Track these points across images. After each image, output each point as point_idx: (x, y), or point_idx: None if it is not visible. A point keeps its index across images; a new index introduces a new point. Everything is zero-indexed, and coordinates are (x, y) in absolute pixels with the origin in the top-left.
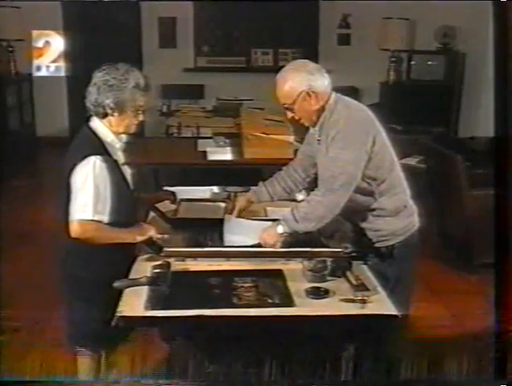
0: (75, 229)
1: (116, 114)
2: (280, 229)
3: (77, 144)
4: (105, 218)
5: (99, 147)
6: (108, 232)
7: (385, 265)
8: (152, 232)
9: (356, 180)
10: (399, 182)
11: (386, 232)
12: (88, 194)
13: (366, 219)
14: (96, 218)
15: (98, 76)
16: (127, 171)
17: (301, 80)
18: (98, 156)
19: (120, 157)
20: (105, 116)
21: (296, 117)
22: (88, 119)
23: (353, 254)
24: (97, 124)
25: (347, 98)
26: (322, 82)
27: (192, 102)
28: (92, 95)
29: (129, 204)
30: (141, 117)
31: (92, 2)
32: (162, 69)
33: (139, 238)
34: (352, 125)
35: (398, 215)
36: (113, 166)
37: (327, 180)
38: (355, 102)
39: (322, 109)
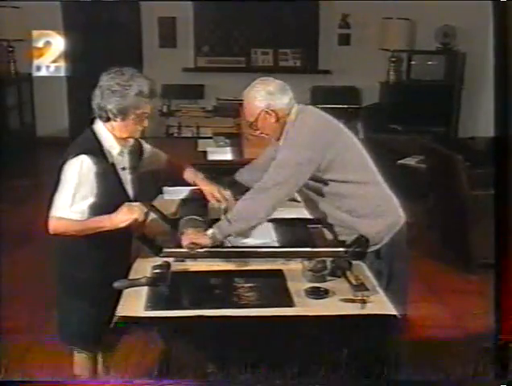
0: (51, 225)
1: (118, 120)
2: (209, 231)
3: (76, 143)
4: (82, 216)
5: (94, 148)
6: (83, 225)
7: (375, 266)
8: (136, 215)
9: (291, 182)
10: (373, 184)
11: (369, 235)
12: (69, 191)
13: (343, 223)
14: (72, 216)
15: (104, 80)
16: (127, 177)
17: (260, 100)
18: (88, 156)
19: (120, 161)
20: (107, 120)
21: (262, 134)
22: (92, 120)
23: (353, 254)
24: (99, 127)
25: (311, 107)
26: (281, 101)
27: (192, 102)
28: (96, 98)
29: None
30: (145, 123)
31: (92, 1)
32: (162, 69)
33: (121, 224)
34: (300, 131)
35: (375, 216)
36: (106, 169)
37: (262, 180)
38: (316, 111)
39: (284, 123)
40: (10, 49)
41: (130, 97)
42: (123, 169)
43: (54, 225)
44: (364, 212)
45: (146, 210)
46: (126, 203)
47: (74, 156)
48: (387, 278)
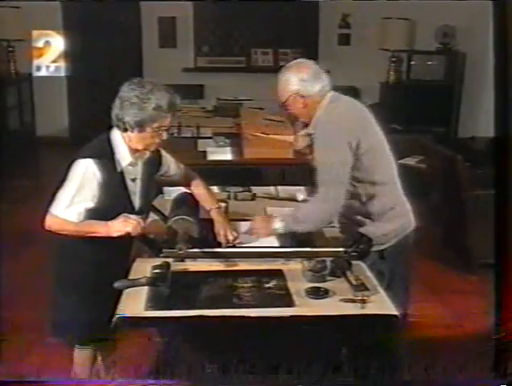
0: (46, 221)
1: (135, 131)
2: (277, 225)
3: (89, 145)
4: (78, 218)
5: (104, 155)
6: (78, 226)
7: (377, 266)
8: (130, 228)
9: (344, 181)
10: (392, 185)
11: (375, 235)
12: (70, 192)
13: (356, 223)
14: (67, 217)
15: (124, 91)
16: (136, 187)
17: (292, 84)
18: (96, 161)
19: (131, 171)
20: (125, 130)
21: (292, 114)
22: (111, 126)
23: (353, 254)
24: (115, 135)
25: (345, 97)
26: (312, 88)
27: (192, 102)
28: (115, 108)
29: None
30: (164, 136)
31: (92, 1)
32: (162, 69)
33: (115, 233)
34: (336, 125)
35: (387, 218)
36: (113, 177)
37: (323, 183)
38: (351, 101)
39: (314, 109)
40: (10, 49)
41: (147, 111)
42: (133, 180)
43: (49, 221)
44: (378, 214)
45: (143, 224)
46: (125, 215)
47: (83, 157)
48: (388, 280)
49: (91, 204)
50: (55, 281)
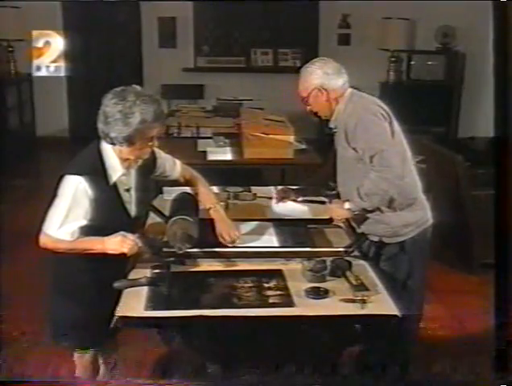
0: (41, 240)
1: (124, 146)
2: (347, 205)
3: (79, 158)
4: (72, 237)
5: (95, 169)
6: (73, 245)
7: (396, 262)
8: (126, 249)
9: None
10: (410, 175)
11: (396, 226)
12: (61, 212)
13: (375, 213)
14: (61, 237)
15: (107, 105)
16: (131, 197)
17: (316, 77)
18: (86, 178)
19: (124, 181)
20: (113, 144)
21: (313, 110)
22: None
23: (354, 253)
24: (105, 147)
25: (362, 93)
26: (336, 82)
27: (192, 102)
28: (100, 123)
29: (119, 229)
30: (155, 144)
31: (92, 2)
32: (162, 69)
33: (110, 251)
34: (367, 110)
35: (409, 208)
36: (105, 191)
37: (376, 157)
38: (370, 97)
39: (336, 103)
40: (10, 49)
41: (132, 125)
42: (127, 190)
43: (43, 241)
44: (401, 203)
45: (140, 244)
46: (122, 233)
47: (73, 174)
48: (407, 274)
49: (84, 222)
50: (52, 284)
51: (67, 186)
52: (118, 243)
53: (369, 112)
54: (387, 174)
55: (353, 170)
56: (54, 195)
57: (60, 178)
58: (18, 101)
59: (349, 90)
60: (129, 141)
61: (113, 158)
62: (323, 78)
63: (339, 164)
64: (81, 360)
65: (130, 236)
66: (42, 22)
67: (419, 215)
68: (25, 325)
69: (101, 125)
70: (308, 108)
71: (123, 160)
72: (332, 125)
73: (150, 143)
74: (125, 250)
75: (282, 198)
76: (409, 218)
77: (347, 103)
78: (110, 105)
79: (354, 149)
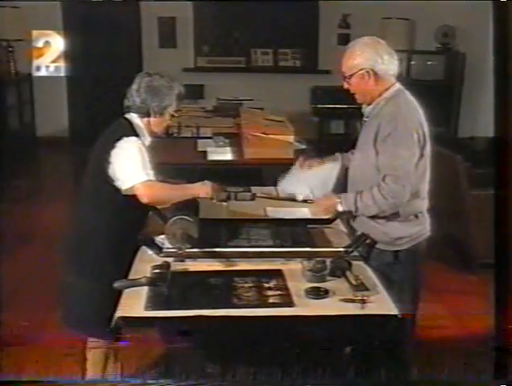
0: (141, 191)
1: (158, 116)
2: (339, 208)
3: (114, 130)
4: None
5: (136, 134)
6: (168, 189)
7: (389, 268)
8: (211, 193)
9: (411, 176)
10: (423, 191)
11: (392, 237)
12: (136, 162)
13: (376, 220)
14: (151, 178)
15: (145, 81)
16: None
17: (366, 58)
18: (138, 138)
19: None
20: (146, 116)
21: (351, 90)
22: (123, 113)
23: (353, 254)
24: (135, 119)
25: (409, 96)
26: (387, 67)
27: (192, 102)
28: (138, 96)
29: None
30: (174, 120)
31: (92, 1)
32: (162, 69)
33: (202, 195)
34: (406, 124)
35: (408, 223)
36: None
37: (390, 179)
38: (415, 104)
39: (378, 94)
40: (10, 49)
41: (172, 96)
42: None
43: (143, 190)
44: (404, 216)
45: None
46: (205, 181)
47: (125, 136)
48: (399, 282)
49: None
50: (70, 265)
51: (128, 147)
52: (208, 188)
53: (407, 129)
54: (391, 199)
55: (366, 169)
56: (105, 171)
57: (108, 153)
58: (18, 101)
59: (397, 86)
60: (164, 110)
61: (143, 128)
62: (373, 59)
63: (356, 152)
64: (94, 360)
65: (207, 182)
66: (42, 22)
67: (416, 229)
68: (25, 325)
69: (140, 99)
70: (346, 85)
71: (150, 132)
72: (365, 113)
73: (171, 118)
74: (211, 194)
75: (304, 161)
76: (405, 231)
77: (389, 100)
78: (151, 82)
79: (376, 150)
